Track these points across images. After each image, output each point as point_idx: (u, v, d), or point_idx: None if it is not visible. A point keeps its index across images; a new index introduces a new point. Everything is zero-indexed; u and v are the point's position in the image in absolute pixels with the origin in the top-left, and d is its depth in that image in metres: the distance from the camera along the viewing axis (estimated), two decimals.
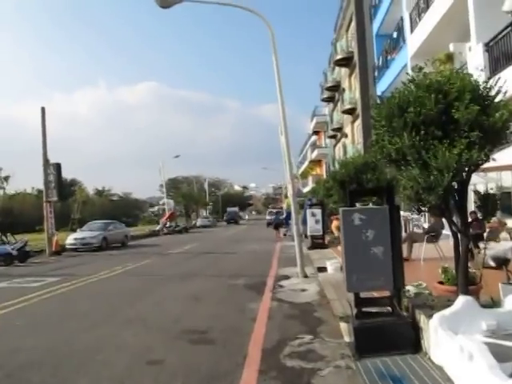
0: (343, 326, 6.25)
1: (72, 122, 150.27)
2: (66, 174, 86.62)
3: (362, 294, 5.66)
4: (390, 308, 5.54)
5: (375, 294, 6.16)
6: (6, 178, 29.13)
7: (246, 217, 79.51)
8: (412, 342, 5.17)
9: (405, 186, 5.31)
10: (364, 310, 5.60)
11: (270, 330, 6.66)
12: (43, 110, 22.72)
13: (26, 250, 19.30)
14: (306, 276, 11.73)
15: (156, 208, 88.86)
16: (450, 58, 14.05)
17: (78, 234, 25.15)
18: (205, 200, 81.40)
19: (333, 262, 12.16)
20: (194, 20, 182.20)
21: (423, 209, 5.79)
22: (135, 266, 15.91)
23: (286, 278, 11.84)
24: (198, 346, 6.03)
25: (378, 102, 5.76)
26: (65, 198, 66.17)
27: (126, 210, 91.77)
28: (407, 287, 6.21)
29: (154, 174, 49.19)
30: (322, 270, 12.25)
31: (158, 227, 43.66)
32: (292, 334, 6.40)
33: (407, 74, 6.24)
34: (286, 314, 7.76)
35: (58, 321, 7.79)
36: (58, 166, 22.84)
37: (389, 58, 21.45)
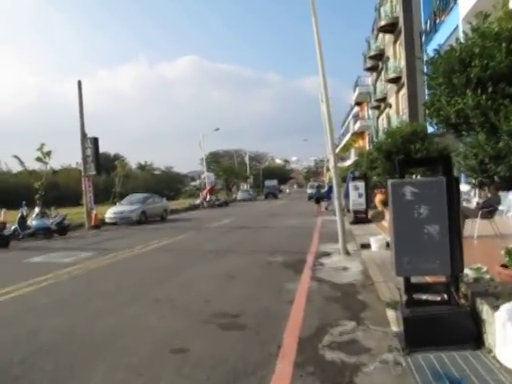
0: (390, 313, 5.56)
1: (116, 98, 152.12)
2: (110, 149, 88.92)
3: (414, 279, 4.95)
4: (445, 295, 4.81)
5: (428, 279, 5.44)
6: (49, 153, 29.23)
7: (287, 190, 76.56)
8: (473, 335, 4.45)
9: (466, 154, 4.52)
10: (415, 297, 4.89)
11: (309, 315, 6.06)
12: (79, 83, 22.49)
13: (65, 224, 19.36)
14: (348, 253, 11.03)
15: (197, 182, 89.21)
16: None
17: (117, 208, 25.13)
18: (245, 174, 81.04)
19: (377, 238, 11.40)
20: None
21: (486, 181, 4.98)
22: (171, 240, 15.59)
23: (327, 255, 11.18)
24: (227, 332, 5.50)
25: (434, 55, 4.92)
26: (107, 172, 67.55)
27: (167, 184, 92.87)
28: (464, 271, 5.45)
29: (196, 149, 49.17)
30: (366, 246, 11.54)
31: (197, 201, 43.59)
32: (333, 319, 5.79)
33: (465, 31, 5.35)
34: (327, 296, 7.13)
35: (83, 300, 7.43)
36: (95, 140, 22.67)
37: (437, 20, 19.97)
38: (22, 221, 18.19)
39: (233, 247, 13.27)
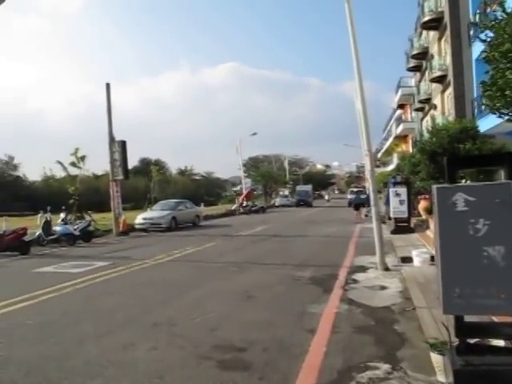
0: (436, 357, 4.30)
1: (159, 105, 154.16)
2: (151, 155, 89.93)
3: (468, 317, 3.70)
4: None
5: (489, 319, 4.16)
6: (83, 158, 29.03)
7: (326, 197, 70.73)
8: None
9: None
10: (471, 341, 3.65)
11: (332, 352, 4.89)
12: (108, 86, 21.91)
13: (90, 230, 18.71)
14: (386, 268, 9.71)
15: (238, 187, 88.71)
16: None
17: (147, 214, 24.41)
18: (284, 179, 79.79)
19: (420, 251, 10.09)
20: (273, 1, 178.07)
21: None
22: (196, 249, 14.61)
23: (363, 269, 9.92)
24: (225, 374, 4.38)
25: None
26: (148, 178, 67.83)
27: (207, 189, 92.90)
28: None
29: (236, 154, 48.27)
30: (407, 260, 10.24)
31: (233, 206, 42.67)
32: (361, 359, 4.62)
33: None
34: (357, 324, 5.91)
35: (73, 321, 6.45)
36: (123, 144, 21.96)
37: (488, 10, 18.28)
38: (47, 226, 17.66)
39: (259, 259, 12.14)
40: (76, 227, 17.95)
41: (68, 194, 28.85)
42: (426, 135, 11.33)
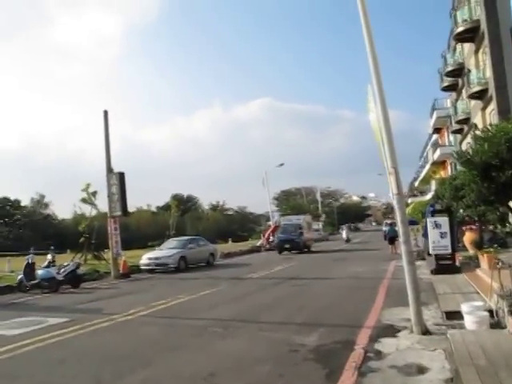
0: None
1: (192, 144, 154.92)
2: (184, 191, 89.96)
3: None
4: None
5: None
6: (94, 194, 27.18)
7: (344, 234, 45.47)
8: None
9: None
10: None
11: None
12: (106, 113, 19.75)
13: (78, 274, 16.24)
14: (425, 331, 6.76)
15: (271, 222, 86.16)
16: None
17: (153, 253, 21.88)
18: (316, 211, 76.56)
19: (473, 305, 7.15)
20: (303, 35, 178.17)
21: None
22: (189, 297, 11.93)
23: (392, 332, 7.03)
24: None
25: None
26: (182, 214, 66.36)
27: (241, 224, 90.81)
28: None
29: (270, 189, 45.94)
30: (455, 316, 7.35)
31: (258, 243, 39.89)
32: None
33: None
34: None
35: None
36: (121, 176, 19.45)
37: None
38: (29, 270, 15.36)
39: (257, 314, 9.33)
40: (61, 270, 15.56)
41: (98, 231, 26.86)
42: (474, 144, 8.39)
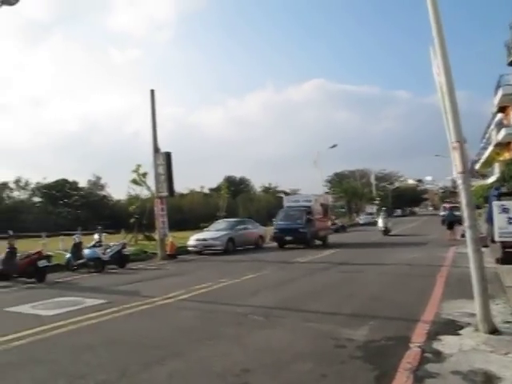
0: None
1: (244, 125, 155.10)
2: (237, 173, 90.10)
3: None
4: None
5: None
6: (144, 175, 27.25)
7: (380, 223, 36.33)
8: None
9: None
10: None
11: None
12: (152, 92, 19.41)
13: (124, 254, 16.16)
14: (493, 330, 5.89)
15: None
16: None
17: (201, 235, 21.58)
18: (371, 195, 74.64)
19: None
20: (355, 18, 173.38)
21: None
22: (232, 281, 11.44)
23: (453, 329, 6.20)
24: None
25: None
26: (234, 196, 66.43)
27: None
28: None
29: (322, 170, 45.00)
30: None
31: None
32: None
33: None
34: None
35: None
36: (167, 156, 19.09)
37: None
38: (76, 249, 15.44)
39: (302, 301, 8.70)
40: (107, 251, 15.53)
41: (150, 212, 26.94)
42: None
